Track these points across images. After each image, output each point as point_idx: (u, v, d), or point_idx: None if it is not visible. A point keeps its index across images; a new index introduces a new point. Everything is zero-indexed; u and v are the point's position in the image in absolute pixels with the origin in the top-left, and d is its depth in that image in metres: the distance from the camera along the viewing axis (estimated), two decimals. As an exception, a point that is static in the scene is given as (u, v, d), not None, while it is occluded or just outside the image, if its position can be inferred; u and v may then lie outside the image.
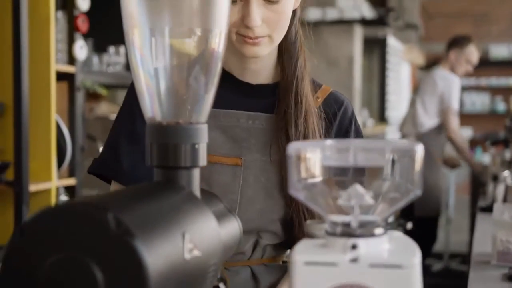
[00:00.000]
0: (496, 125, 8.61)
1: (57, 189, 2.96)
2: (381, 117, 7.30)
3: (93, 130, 3.46)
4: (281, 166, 1.28)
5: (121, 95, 4.49)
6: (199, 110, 0.73)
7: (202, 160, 0.72)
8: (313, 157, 0.68)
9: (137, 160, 1.24)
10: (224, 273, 1.26)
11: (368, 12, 5.98)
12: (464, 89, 9.66)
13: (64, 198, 3.15)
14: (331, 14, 5.67)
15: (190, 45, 0.73)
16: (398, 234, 0.70)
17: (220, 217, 0.75)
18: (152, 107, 0.72)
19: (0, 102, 2.78)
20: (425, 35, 9.68)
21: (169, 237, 0.61)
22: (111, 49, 3.52)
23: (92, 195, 0.62)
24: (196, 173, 0.73)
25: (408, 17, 8.84)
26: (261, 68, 1.33)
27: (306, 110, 1.30)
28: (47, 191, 2.87)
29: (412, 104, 4.83)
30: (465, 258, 5.21)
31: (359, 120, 1.42)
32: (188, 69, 0.73)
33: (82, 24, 3.06)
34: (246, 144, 1.29)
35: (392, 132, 7.24)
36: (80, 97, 3.10)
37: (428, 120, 4.62)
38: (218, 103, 1.23)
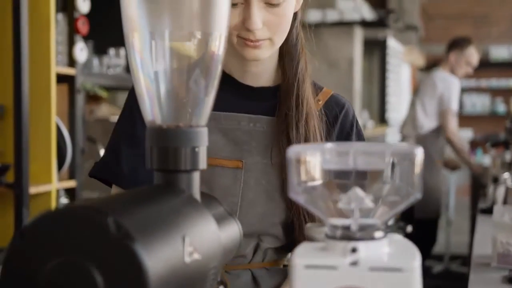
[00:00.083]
0: (496, 127, 8.61)
1: (57, 191, 2.97)
2: (381, 119, 7.30)
3: (94, 132, 3.46)
4: (282, 169, 1.28)
5: (121, 97, 4.49)
6: (199, 113, 0.73)
7: (202, 163, 0.72)
8: (313, 160, 0.68)
9: (137, 163, 1.24)
10: (225, 276, 1.27)
11: (368, 13, 5.99)
12: (465, 90, 9.67)
13: (64, 200, 3.15)
14: (331, 15, 5.68)
15: (190, 48, 0.73)
16: (398, 237, 0.70)
17: (220, 220, 0.75)
18: (152, 110, 0.72)
19: (0, 104, 2.78)
20: (425, 37, 9.68)
21: (169, 241, 0.61)
22: (111, 51, 3.52)
23: (92, 198, 0.62)
24: (196, 177, 0.73)
25: (408, 19, 8.84)
26: (262, 70, 1.33)
27: (307, 112, 1.29)
28: (47, 193, 2.87)
29: (412, 105, 4.84)
30: (465, 260, 5.21)
31: (359, 122, 1.42)
32: (188, 72, 0.73)
33: (82, 26, 3.06)
34: (247, 147, 1.28)
35: (392, 134, 7.24)
36: (80, 99, 3.10)
37: (427, 122, 4.62)
38: (219, 106, 1.23)
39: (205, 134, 0.73)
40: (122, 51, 3.53)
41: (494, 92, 9.88)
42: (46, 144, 2.84)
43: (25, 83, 2.63)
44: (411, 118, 4.80)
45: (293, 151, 0.69)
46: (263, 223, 1.28)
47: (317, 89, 1.37)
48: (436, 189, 4.51)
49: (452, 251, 5.60)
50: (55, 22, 2.91)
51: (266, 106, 1.32)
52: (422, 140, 4.60)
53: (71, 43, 3.04)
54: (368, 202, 0.66)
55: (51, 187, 2.86)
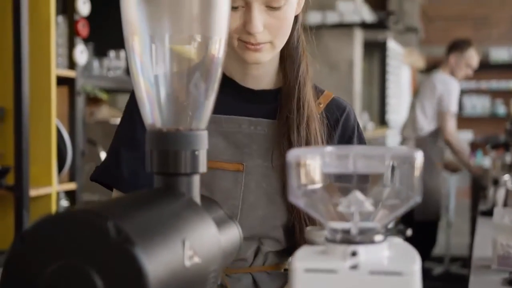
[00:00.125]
0: (496, 128, 8.61)
1: (58, 193, 2.97)
2: (382, 121, 7.30)
3: (94, 134, 3.46)
4: (283, 172, 1.27)
5: (122, 99, 4.49)
6: (199, 117, 0.73)
7: (202, 166, 0.72)
8: (312, 163, 0.68)
9: (138, 167, 1.24)
10: (225, 280, 1.27)
11: (368, 15, 6.00)
12: (465, 92, 9.68)
13: (64, 202, 3.15)
14: (332, 18, 5.69)
15: (190, 52, 0.73)
16: (398, 241, 0.70)
17: (220, 223, 0.75)
18: (152, 113, 0.72)
19: (0, 107, 2.78)
20: (425, 38, 9.69)
21: (169, 244, 0.61)
22: (112, 53, 3.52)
23: (92, 202, 0.62)
24: (196, 180, 0.73)
25: (408, 20, 8.85)
26: (262, 73, 1.32)
27: (308, 115, 1.29)
28: (48, 196, 2.87)
29: (412, 108, 4.84)
30: (465, 261, 5.21)
31: (360, 124, 1.42)
32: (188, 75, 0.73)
33: (83, 28, 3.06)
34: (247, 150, 1.28)
35: (392, 136, 7.24)
36: (80, 101, 3.10)
37: (427, 124, 4.62)
38: (220, 108, 1.23)
39: (205, 138, 0.73)
40: (122, 53, 3.54)
41: (494, 94, 9.88)
42: (46, 147, 2.84)
43: (25, 86, 2.63)
44: (411, 120, 4.80)
45: (293, 154, 0.69)
46: (264, 226, 1.28)
47: (318, 92, 1.37)
48: (436, 191, 4.51)
49: (453, 253, 5.60)
50: (55, 25, 2.92)
51: (267, 109, 1.32)
52: (421, 142, 4.60)
53: (71, 46, 3.05)
54: (368, 205, 0.66)
55: (51, 189, 2.86)
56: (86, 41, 3.17)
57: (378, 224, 0.67)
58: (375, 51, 7.21)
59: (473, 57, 4.65)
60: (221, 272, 0.73)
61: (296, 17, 1.29)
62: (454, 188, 5.99)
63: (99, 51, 3.46)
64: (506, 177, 2.82)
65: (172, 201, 0.69)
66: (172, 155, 0.71)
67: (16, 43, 2.62)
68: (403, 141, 4.92)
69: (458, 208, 6.31)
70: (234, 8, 1.18)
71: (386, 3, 8.84)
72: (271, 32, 1.21)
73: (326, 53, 5.64)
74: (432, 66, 7.89)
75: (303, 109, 1.29)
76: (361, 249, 0.64)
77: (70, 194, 3.11)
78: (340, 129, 1.36)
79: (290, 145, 1.26)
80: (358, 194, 0.66)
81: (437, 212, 4.59)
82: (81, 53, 3.06)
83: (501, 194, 2.62)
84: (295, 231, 1.28)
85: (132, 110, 1.29)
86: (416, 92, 5.05)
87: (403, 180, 0.67)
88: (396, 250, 0.68)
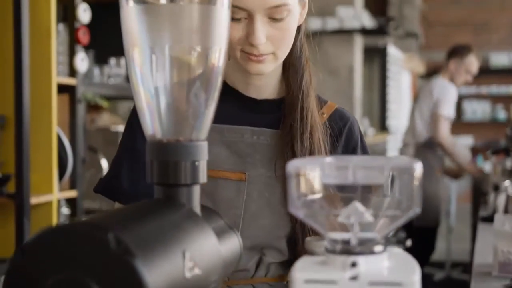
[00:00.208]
0: (497, 133, 8.61)
1: (58, 201, 2.97)
2: (382, 126, 7.30)
3: (95, 141, 3.47)
4: (286, 182, 1.27)
5: (122, 106, 4.50)
6: (200, 127, 0.74)
7: (202, 177, 0.73)
8: (312, 174, 0.68)
9: (137, 179, 1.25)
10: (226, 290, 1.26)
11: (368, 21, 6.00)
12: (465, 97, 9.69)
13: (65, 210, 3.15)
14: (332, 23, 5.69)
15: (190, 62, 0.73)
16: (398, 251, 0.70)
17: (220, 233, 0.75)
18: (152, 124, 0.73)
19: (1, 114, 2.78)
20: (426, 44, 9.69)
21: (170, 256, 0.61)
22: (112, 60, 3.53)
23: (92, 215, 0.62)
24: (196, 190, 0.73)
25: (408, 26, 8.86)
26: (265, 83, 1.32)
27: (312, 125, 1.29)
28: (48, 204, 2.87)
29: (412, 113, 4.84)
30: (466, 267, 5.20)
31: (361, 130, 1.42)
32: (188, 86, 0.73)
33: (83, 36, 3.07)
34: (250, 160, 1.28)
35: (393, 141, 7.24)
36: (81, 109, 3.10)
37: (426, 130, 4.61)
38: (223, 118, 1.24)
39: (205, 148, 0.73)
40: (122, 61, 3.54)
41: (495, 99, 9.88)
42: (47, 154, 2.85)
43: (26, 93, 2.64)
44: (411, 126, 4.80)
45: (293, 165, 0.69)
46: (267, 236, 1.28)
47: (321, 102, 1.37)
48: (435, 197, 4.50)
49: (453, 258, 5.59)
50: (56, 32, 2.92)
51: (270, 119, 1.32)
52: (421, 148, 4.60)
53: (72, 53, 3.05)
54: (368, 216, 0.66)
55: (52, 197, 2.86)
56: (86, 48, 3.18)
57: (377, 235, 0.67)
58: (375, 57, 7.21)
59: (473, 63, 4.65)
60: (221, 282, 0.73)
61: (298, 27, 1.29)
62: (455, 193, 5.98)
63: (100, 59, 3.47)
64: (507, 183, 2.82)
65: (172, 212, 0.70)
66: (172, 165, 0.71)
67: (16, 51, 2.63)
68: (404, 147, 4.92)
69: (459, 213, 6.30)
70: (236, 20, 1.18)
71: (386, 8, 8.85)
72: (273, 43, 1.21)
73: (326, 59, 5.64)
74: (432, 72, 7.89)
75: (306, 119, 1.29)
76: (361, 260, 0.64)
77: (70, 202, 3.11)
78: (344, 140, 1.35)
79: (294, 155, 1.26)
80: (357, 205, 0.66)
81: (436, 219, 4.58)
82: (82, 61, 3.07)
83: (501, 200, 2.62)
84: (298, 242, 1.28)
85: (133, 122, 1.30)
86: (416, 98, 5.05)
87: (403, 191, 0.67)
88: (396, 260, 0.68)
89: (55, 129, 2.88)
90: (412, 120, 4.77)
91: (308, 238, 0.73)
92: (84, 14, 3.06)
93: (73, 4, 3.03)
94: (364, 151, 1.38)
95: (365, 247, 0.66)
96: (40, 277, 0.58)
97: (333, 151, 1.33)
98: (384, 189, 0.68)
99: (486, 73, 9.03)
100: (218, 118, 1.15)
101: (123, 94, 3.58)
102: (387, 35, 6.81)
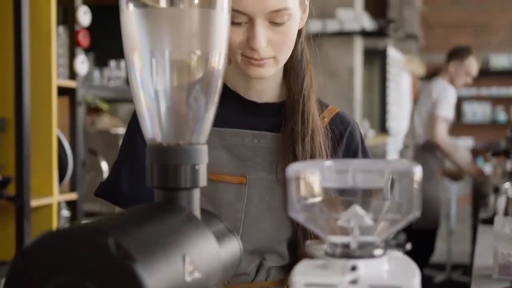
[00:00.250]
0: (497, 135, 8.62)
1: (59, 204, 2.97)
2: (382, 128, 7.31)
3: (95, 144, 3.47)
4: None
5: (122, 109, 4.50)
6: (200, 130, 0.74)
7: (202, 180, 0.73)
8: (312, 178, 0.68)
9: (137, 183, 1.25)
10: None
11: (368, 23, 6.01)
12: (465, 99, 9.70)
13: (65, 213, 3.15)
14: (332, 26, 5.69)
15: (190, 66, 0.73)
16: (398, 254, 0.70)
17: (220, 237, 0.75)
18: (152, 128, 0.73)
19: (1, 117, 2.79)
20: (426, 46, 9.70)
21: (170, 260, 0.61)
22: (112, 63, 3.53)
23: (92, 219, 0.62)
24: (196, 194, 0.73)
25: (408, 28, 8.86)
26: (266, 87, 1.32)
27: (313, 129, 1.29)
28: (49, 206, 2.87)
29: (412, 115, 4.84)
30: (467, 269, 5.20)
31: (361, 132, 1.42)
32: (188, 89, 0.73)
33: (83, 39, 3.07)
34: (250, 163, 1.28)
35: (393, 143, 7.25)
36: (81, 111, 3.11)
37: (425, 132, 4.61)
38: (223, 121, 1.24)
39: (205, 152, 0.73)
40: (122, 63, 3.55)
41: (495, 101, 9.89)
42: (47, 157, 2.85)
43: (26, 96, 2.64)
44: (411, 128, 4.80)
45: (292, 169, 0.69)
46: (267, 240, 1.28)
47: (322, 106, 1.37)
48: (434, 199, 4.49)
49: (454, 260, 5.59)
50: (56, 35, 2.92)
51: (270, 123, 1.32)
52: (420, 150, 4.60)
53: (72, 56, 3.05)
54: (368, 220, 0.66)
55: (52, 199, 2.86)
56: (86, 51, 3.18)
57: (377, 238, 0.67)
58: (375, 59, 7.22)
59: (472, 65, 4.64)
60: (221, 286, 0.73)
61: (299, 31, 1.29)
62: (455, 195, 5.98)
63: (100, 61, 3.47)
64: (507, 185, 2.82)
65: (172, 215, 0.70)
66: (172, 169, 0.71)
67: (17, 54, 2.63)
68: (404, 149, 4.92)
69: (459, 215, 6.30)
70: (237, 24, 1.18)
71: (386, 11, 8.86)
72: (274, 48, 1.21)
73: (326, 61, 5.64)
74: (432, 73, 7.90)
75: (307, 123, 1.29)
76: (361, 264, 0.65)
77: (71, 204, 3.11)
78: (345, 144, 1.35)
79: (295, 158, 1.26)
80: (357, 209, 0.66)
81: (436, 221, 4.57)
82: (82, 63, 3.07)
83: (501, 202, 2.61)
84: (299, 246, 1.28)
85: (133, 126, 1.30)
86: (416, 100, 5.05)
87: (403, 194, 0.67)
88: (395, 264, 0.68)
89: (55, 131, 2.88)
90: (412, 122, 4.77)
91: (308, 242, 0.73)
92: (84, 16, 3.06)
93: (73, 7, 3.03)
94: (365, 155, 1.38)
95: (365, 251, 0.66)
96: (40, 281, 0.58)
97: (334, 154, 1.33)
98: (384, 192, 0.68)
99: (486, 74, 9.04)
100: (219, 122, 1.15)
101: (123, 96, 3.59)
102: (387, 37, 6.82)
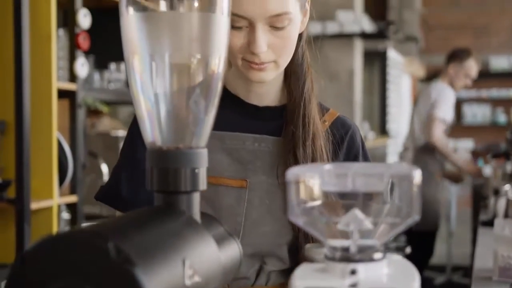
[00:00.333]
0: (497, 137, 8.63)
1: (59, 206, 2.97)
2: (382, 130, 7.31)
3: (95, 146, 3.47)
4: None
5: (122, 111, 4.50)
6: (200, 134, 0.74)
7: (202, 184, 0.73)
8: (311, 182, 0.68)
9: (137, 187, 1.25)
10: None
11: (368, 25, 6.01)
12: (465, 100, 9.71)
13: (65, 215, 3.15)
14: (332, 28, 5.70)
15: (190, 70, 0.73)
16: (397, 258, 0.70)
17: (220, 240, 0.75)
18: (152, 132, 0.73)
19: (1, 120, 2.79)
20: (425, 47, 9.71)
21: (170, 264, 0.61)
22: (112, 65, 3.53)
23: (92, 223, 0.63)
24: (196, 197, 0.73)
25: (408, 30, 8.87)
26: (267, 91, 1.32)
27: (314, 132, 1.29)
28: (49, 209, 2.87)
29: (412, 117, 4.84)
30: (467, 271, 5.20)
31: (361, 134, 1.42)
32: (188, 93, 0.73)
33: (83, 41, 3.07)
34: (251, 167, 1.28)
35: (393, 145, 7.25)
36: (81, 114, 3.11)
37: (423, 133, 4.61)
38: (224, 125, 1.24)
39: (205, 155, 0.73)
40: (122, 66, 3.54)
41: (495, 102, 9.90)
42: (47, 160, 2.85)
43: (26, 99, 2.64)
44: (411, 130, 4.80)
45: (292, 173, 0.69)
46: (268, 244, 1.27)
47: (323, 109, 1.37)
48: (434, 201, 4.48)
49: (454, 262, 5.59)
50: (56, 38, 2.93)
51: (271, 126, 1.32)
52: (419, 152, 4.59)
53: (72, 58, 3.05)
54: (367, 223, 0.66)
55: (52, 202, 2.86)
56: (86, 53, 3.18)
57: (377, 242, 0.67)
58: (375, 61, 7.22)
59: (472, 67, 4.63)
60: (221, 289, 0.73)
61: (300, 35, 1.29)
62: (455, 197, 5.98)
63: (100, 64, 3.47)
64: (507, 187, 2.82)
65: (172, 219, 0.70)
66: (172, 173, 0.71)
67: (17, 56, 2.63)
68: (404, 151, 4.92)
69: (460, 217, 6.30)
70: (238, 28, 1.18)
71: (386, 12, 8.87)
72: (275, 52, 1.21)
73: (326, 63, 5.64)
74: (432, 75, 7.90)
75: (308, 126, 1.29)
76: (361, 267, 0.65)
77: (71, 207, 3.11)
78: (346, 147, 1.35)
79: (296, 162, 1.26)
80: (357, 212, 0.66)
81: (435, 223, 4.56)
82: (82, 66, 3.07)
83: (501, 204, 2.61)
84: (300, 250, 1.27)
85: (133, 131, 1.30)
86: (416, 102, 5.05)
87: (402, 198, 0.67)
88: (395, 267, 0.68)
89: (55, 134, 2.88)
90: (412, 124, 4.77)
91: (307, 245, 0.73)
92: (84, 19, 3.06)
93: (73, 10, 3.04)
94: (366, 160, 1.38)
95: (365, 255, 0.66)
96: (40, 285, 0.58)
97: (334, 158, 1.33)
98: (383, 196, 0.68)
99: (486, 76, 9.04)
100: (220, 125, 1.14)
101: (123, 99, 3.59)
102: (387, 39, 6.83)
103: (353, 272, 0.64)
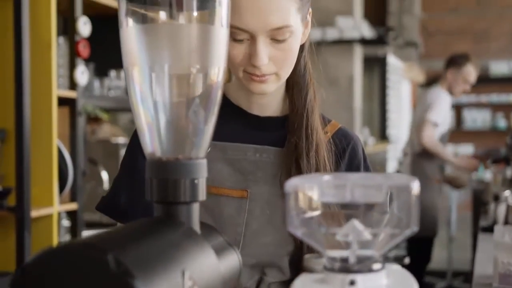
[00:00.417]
0: (497, 142, 8.63)
1: (59, 214, 2.97)
2: (382, 136, 7.31)
3: (95, 153, 3.47)
4: None
5: (122, 118, 4.51)
6: (199, 144, 0.74)
7: (202, 195, 0.73)
8: (310, 193, 0.69)
9: (137, 199, 1.25)
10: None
11: (367, 31, 6.02)
12: (465, 105, 9.71)
13: (66, 223, 3.15)
14: (331, 34, 5.70)
15: (189, 81, 0.74)
16: (396, 268, 0.71)
17: (219, 251, 0.76)
18: (152, 143, 0.73)
19: (2, 128, 2.79)
20: (425, 53, 9.72)
21: (169, 276, 0.61)
22: (112, 73, 3.53)
23: (92, 234, 0.63)
24: (195, 208, 0.74)
25: (407, 35, 8.88)
26: (268, 102, 1.33)
27: (318, 143, 1.29)
28: (49, 217, 2.87)
29: (411, 123, 4.84)
30: (468, 276, 5.19)
31: (361, 139, 1.42)
32: (188, 104, 0.74)
33: (83, 49, 3.08)
34: (252, 177, 1.28)
35: (393, 150, 7.25)
36: (81, 122, 3.11)
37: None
38: (226, 135, 1.25)
39: (204, 166, 0.74)
40: (122, 73, 3.55)
41: (495, 107, 9.90)
42: (48, 167, 2.85)
43: (27, 107, 2.65)
44: (410, 136, 4.80)
45: (290, 184, 0.69)
46: (268, 254, 1.27)
47: (325, 120, 1.37)
48: (431, 207, 4.46)
49: (455, 267, 5.58)
50: (56, 45, 2.93)
51: (273, 136, 1.31)
52: (417, 157, 4.59)
53: (72, 66, 3.06)
54: (366, 234, 0.66)
55: (52, 210, 2.87)
56: (86, 61, 3.19)
57: (376, 253, 0.67)
58: (375, 66, 7.23)
59: (470, 72, 4.62)
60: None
61: (302, 46, 1.29)
62: (455, 202, 5.98)
63: (100, 71, 3.47)
64: (507, 193, 2.82)
65: (172, 230, 0.70)
66: (172, 184, 0.71)
67: (17, 64, 2.64)
68: (403, 157, 4.92)
69: (460, 222, 6.30)
70: (239, 41, 1.18)
71: (386, 18, 8.88)
72: (276, 64, 1.21)
73: (326, 69, 5.62)
74: (432, 81, 7.90)
75: (311, 137, 1.28)
76: (359, 278, 0.65)
77: (71, 214, 3.11)
78: (347, 159, 1.35)
79: (299, 172, 1.26)
80: (356, 223, 0.67)
81: (433, 229, 4.54)
82: (82, 74, 3.08)
83: (502, 210, 2.62)
84: (301, 261, 1.27)
85: (134, 143, 1.31)
86: (415, 108, 5.06)
87: (401, 209, 0.67)
88: (394, 277, 0.68)
89: (56, 142, 2.89)
90: (411, 129, 4.77)
91: (306, 256, 0.73)
92: (84, 27, 3.07)
93: (73, 18, 3.04)
94: (367, 172, 1.38)
95: (364, 265, 0.66)
96: (40, 298, 0.58)
97: (336, 169, 1.33)
98: (382, 207, 0.68)
99: (486, 81, 9.05)
100: (222, 135, 1.14)
101: (123, 106, 3.59)
102: (387, 45, 6.83)
103: (352, 282, 0.64)
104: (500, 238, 1.83)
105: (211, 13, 0.73)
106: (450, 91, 4.64)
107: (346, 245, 0.67)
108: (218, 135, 0.75)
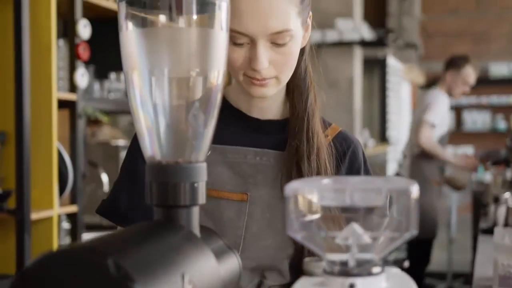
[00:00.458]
0: (497, 144, 8.62)
1: (59, 216, 2.97)
2: (382, 137, 7.31)
3: (95, 156, 3.47)
4: None
5: (122, 120, 4.50)
6: (199, 148, 0.74)
7: (202, 198, 0.73)
8: (310, 197, 0.69)
9: (137, 203, 1.25)
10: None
11: (367, 33, 6.02)
12: (465, 107, 9.71)
13: (66, 225, 3.15)
14: (331, 36, 5.71)
15: (189, 85, 0.74)
16: (396, 271, 0.71)
17: (219, 254, 0.76)
18: (151, 146, 0.73)
19: (1, 130, 2.79)
20: (425, 54, 9.72)
21: (169, 279, 0.61)
22: (112, 75, 3.54)
23: (92, 238, 0.63)
24: (195, 211, 0.74)
25: (407, 37, 8.88)
26: (268, 105, 1.33)
27: (318, 146, 1.29)
28: (49, 219, 2.87)
29: (410, 125, 4.84)
30: (468, 278, 5.19)
31: (360, 141, 1.42)
32: (187, 108, 0.74)
33: (83, 52, 3.08)
34: (252, 180, 1.28)
35: (393, 152, 7.25)
36: (81, 124, 3.11)
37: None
38: (226, 138, 1.25)
39: (204, 169, 0.74)
40: (122, 76, 3.55)
41: (495, 109, 9.89)
42: (48, 170, 2.85)
43: (27, 109, 2.65)
44: (409, 137, 4.80)
45: (290, 187, 0.70)
46: (268, 257, 1.27)
47: (325, 124, 1.37)
48: (431, 209, 4.46)
49: (455, 269, 5.58)
50: (56, 48, 2.93)
51: (273, 140, 1.31)
52: (417, 159, 4.58)
53: (72, 69, 3.06)
54: (366, 237, 0.66)
55: (52, 212, 2.87)
56: (86, 64, 3.19)
57: (375, 256, 0.68)
58: (375, 68, 7.23)
59: (470, 74, 4.62)
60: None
61: (302, 49, 1.29)
62: (455, 204, 5.98)
63: (100, 73, 3.48)
64: (507, 194, 2.82)
65: (172, 234, 0.70)
66: (172, 187, 0.71)
67: (17, 67, 2.64)
68: (403, 159, 4.92)
69: (460, 224, 6.30)
70: (239, 45, 1.18)
71: (385, 20, 8.89)
72: (276, 68, 1.21)
73: (326, 71, 5.63)
74: (432, 82, 7.90)
75: (312, 141, 1.28)
76: (359, 281, 0.65)
77: (71, 217, 3.11)
78: (348, 162, 1.35)
79: (300, 176, 1.26)
80: (355, 227, 0.67)
81: (433, 230, 4.54)
82: (82, 76, 3.08)
83: (501, 212, 2.62)
84: (301, 264, 1.26)
85: (134, 147, 1.31)
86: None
87: (400, 212, 0.68)
88: (394, 281, 0.68)
89: (56, 144, 2.89)
90: (411, 131, 4.77)
91: (306, 259, 0.73)
92: (84, 29, 3.07)
93: (73, 20, 3.04)
94: (368, 175, 1.38)
95: (363, 269, 0.66)
96: (40, 302, 0.58)
97: (337, 173, 1.33)
98: (382, 210, 0.68)
99: (486, 83, 9.06)
100: (222, 139, 1.14)
101: (123, 108, 3.59)
102: (387, 47, 6.83)
103: (351, 286, 0.65)
104: (500, 240, 1.83)
105: (211, 16, 0.73)
106: (450, 93, 4.64)
107: (346, 249, 0.67)
108: (218, 138, 0.75)
